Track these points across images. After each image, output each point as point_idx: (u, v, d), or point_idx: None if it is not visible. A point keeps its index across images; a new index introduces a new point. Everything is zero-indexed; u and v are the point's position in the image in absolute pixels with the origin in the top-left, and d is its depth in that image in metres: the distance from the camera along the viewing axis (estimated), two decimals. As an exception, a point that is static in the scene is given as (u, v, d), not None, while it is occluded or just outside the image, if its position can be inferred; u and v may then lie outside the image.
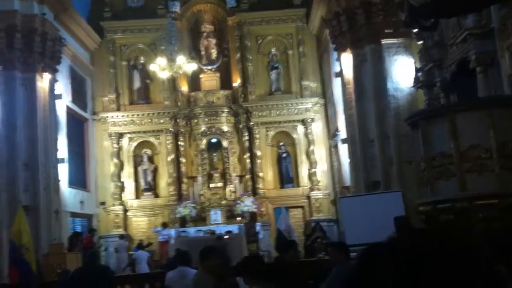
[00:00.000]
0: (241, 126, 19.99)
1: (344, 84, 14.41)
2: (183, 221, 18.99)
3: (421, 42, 11.03)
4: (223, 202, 19.25)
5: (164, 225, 18.06)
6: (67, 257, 13.12)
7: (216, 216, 19.08)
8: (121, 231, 18.92)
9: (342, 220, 13.62)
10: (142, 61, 20.28)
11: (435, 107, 5.83)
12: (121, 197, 19.70)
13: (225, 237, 15.15)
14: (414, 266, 1.04)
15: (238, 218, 18.35)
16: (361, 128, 13.76)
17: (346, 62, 14.10)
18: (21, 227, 11.99)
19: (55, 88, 14.99)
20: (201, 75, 19.93)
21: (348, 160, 15.34)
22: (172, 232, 17.83)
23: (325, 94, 19.85)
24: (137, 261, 15.05)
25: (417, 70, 11.66)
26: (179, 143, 20.00)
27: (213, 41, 20.48)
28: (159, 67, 14.68)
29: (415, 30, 11.28)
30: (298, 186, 19.91)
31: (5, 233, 12.21)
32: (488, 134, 4.33)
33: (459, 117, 4.47)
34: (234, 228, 17.49)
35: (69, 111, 17.67)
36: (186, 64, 14.93)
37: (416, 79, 11.69)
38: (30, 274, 11.57)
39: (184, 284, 6.01)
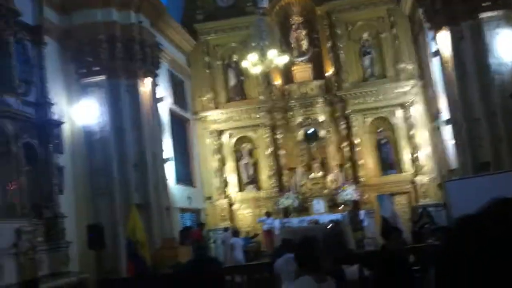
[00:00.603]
0: (337, 115, 19.87)
1: (443, 64, 13.84)
2: (286, 212, 19.24)
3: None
4: (325, 191, 19.28)
5: (268, 214, 18.43)
6: (179, 250, 13.80)
7: (319, 205, 19.14)
8: (227, 223, 19.52)
9: (450, 204, 13.10)
10: (235, 59, 20.69)
11: None
12: (225, 191, 20.34)
13: (329, 226, 15.18)
14: (505, 237, 0.95)
15: (341, 207, 18.28)
16: (465, 107, 13.18)
17: (443, 41, 13.53)
18: (136, 224, 12.79)
19: (156, 92, 15.71)
20: (293, 67, 19.99)
21: (453, 142, 14.75)
22: (276, 222, 18.15)
23: (423, 75, 19.13)
24: (234, 247, 15.52)
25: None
26: (276, 136, 20.27)
27: (303, 32, 20.46)
28: (251, 63, 14.92)
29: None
30: (401, 172, 19.45)
31: (121, 230, 13.19)
32: None
33: None
34: (337, 217, 17.42)
35: (172, 113, 18.50)
36: (277, 58, 15.04)
37: (523, 51, 11.01)
38: (145, 268, 12.37)
39: (292, 270, 6.00)
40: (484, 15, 12.43)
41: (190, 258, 14.76)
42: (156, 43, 15.39)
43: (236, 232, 16.83)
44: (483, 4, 12.39)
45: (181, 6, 20.99)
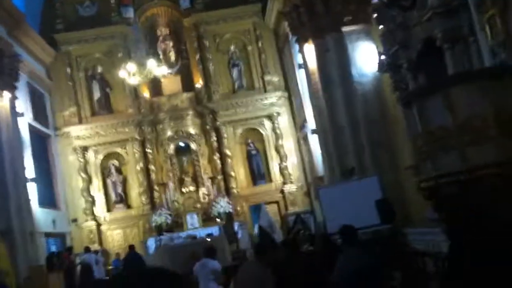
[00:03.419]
0: (208, 127, 19.88)
1: (309, 75, 14.46)
2: (159, 229, 18.75)
3: (381, 26, 11.20)
4: (198, 205, 19.18)
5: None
6: (49, 278, 12.87)
7: (193, 220, 19.00)
8: (96, 246, 18.49)
9: (322, 210, 13.68)
10: (100, 71, 19.90)
11: (427, 84, 5.92)
12: (93, 211, 19.35)
13: (207, 239, 15.03)
14: None
15: (218, 220, 18.25)
16: (331, 116, 13.81)
17: (308, 53, 14.16)
18: None
19: (16, 106, 14.52)
20: (162, 79, 19.61)
21: (319, 150, 15.44)
22: (150, 241, 17.64)
23: (288, 87, 19.92)
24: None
25: (380, 54, 11.84)
26: (146, 150, 19.77)
27: (170, 43, 20.28)
28: (128, 73, 14.38)
29: (375, 16, 11.51)
30: (271, 181, 19.99)
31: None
32: (483, 104, 4.43)
33: (454, 91, 4.56)
34: (213, 230, 17.38)
35: (32, 129, 17.21)
36: (156, 68, 14.69)
37: (381, 63, 11.83)
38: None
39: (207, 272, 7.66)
40: (347, 28, 13.21)
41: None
42: (15, 54, 14.27)
43: (87, 249, 16.39)
44: (344, 19, 13.17)
45: (39, 15, 19.62)
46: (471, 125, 4.41)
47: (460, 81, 4.64)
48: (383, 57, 11.55)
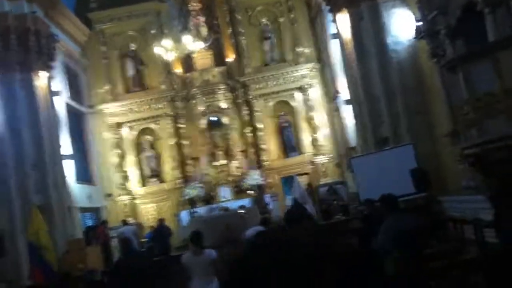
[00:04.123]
0: (239, 101, 19.90)
1: (343, 45, 14.26)
2: (192, 202, 19.00)
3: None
4: (230, 178, 19.28)
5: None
6: (87, 252, 13.19)
7: (225, 193, 19.17)
8: (131, 220, 18.83)
9: (355, 180, 13.63)
10: (133, 48, 20.03)
11: (474, 49, 5.75)
12: (127, 186, 19.68)
13: (240, 211, 15.18)
14: None
15: (250, 192, 18.37)
16: (365, 86, 13.68)
17: (342, 22, 13.93)
18: (39, 228, 11.90)
19: (52, 85, 14.75)
20: (194, 55, 19.62)
21: (352, 121, 15.31)
22: (183, 213, 17.93)
23: (321, 58, 19.74)
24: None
25: (417, 21, 11.57)
26: (179, 125, 19.93)
27: (202, 18, 20.18)
28: (164, 49, 14.38)
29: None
30: (302, 153, 19.94)
31: (21, 235, 12.20)
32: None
33: (502, 55, 4.42)
34: (245, 202, 17.54)
35: (68, 107, 17.48)
36: (192, 44, 14.65)
37: (418, 30, 11.61)
38: (52, 273, 11.56)
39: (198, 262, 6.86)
40: (381, -4, 12.94)
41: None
42: (51, 34, 14.45)
43: (125, 222, 16.91)
44: (379, -14, 12.87)
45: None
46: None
47: (509, 45, 4.48)
48: (419, 23, 11.31)
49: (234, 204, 17.43)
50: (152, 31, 19.61)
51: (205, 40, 19.21)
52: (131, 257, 8.25)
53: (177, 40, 14.81)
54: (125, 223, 17.06)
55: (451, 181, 11.73)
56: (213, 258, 6.77)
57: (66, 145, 16.27)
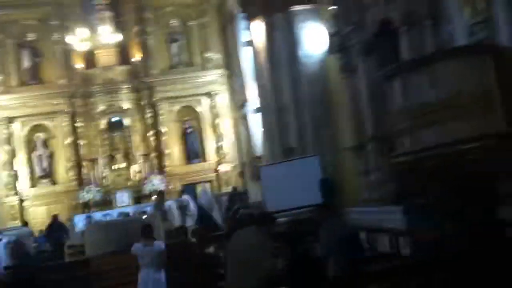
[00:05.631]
0: (143, 102, 19.38)
1: (255, 54, 14.29)
2: (87, 206, 18.19)
3: (335, 6, 11.22)
4: (129, 183, 18.79)
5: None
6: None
7: (123, 197, 18.54)
8: (17, 223, 17.55)
9: (263, 189, 13.67)
10: (30, 38, 18.87)
11: (413, 59, 5.96)
12: (15, 186, 18.46)
13: (144, 216, 14.64)
14: None
15: (154, 197, 17.87)
16: (275, 96, 13.78)
17: (256, 30, 13.95)
18: None
19: None
20: (97, 51, 18.80)
21: (259, 130, 15.40)
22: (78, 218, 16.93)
23: (230, 65, 19.67)
24: None
25: (331, 35, 11.86)
26: (76, 124, 19.02)
27: (108, 14, 19.32)
28: (79, 39, 13.51)
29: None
30: (205, 160, 19.79)
31: None
32: (468, 80, 4.48)
33: (439, 66, 4.57)
34: (144, 208, 17.02)
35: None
36: (109, 35, 13.91)
37: (332, 44, 11.90)
38: None
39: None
40: (295, 8, 13.14)
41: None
42: None
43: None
44: (293, -3, 13.06)
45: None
46: (455, 101, 4.44)
47: (446, 56, 4.66)
48: (333, 37, 11.59)
49: (133, 209, 16.88)
50: (52, 22, 18.59)
51: (110, 36, 18.42)
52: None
53: (83, 32, 14.03)
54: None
55: (351, 192, 12.10)
56: (163, 249, 7.37)
57: None
